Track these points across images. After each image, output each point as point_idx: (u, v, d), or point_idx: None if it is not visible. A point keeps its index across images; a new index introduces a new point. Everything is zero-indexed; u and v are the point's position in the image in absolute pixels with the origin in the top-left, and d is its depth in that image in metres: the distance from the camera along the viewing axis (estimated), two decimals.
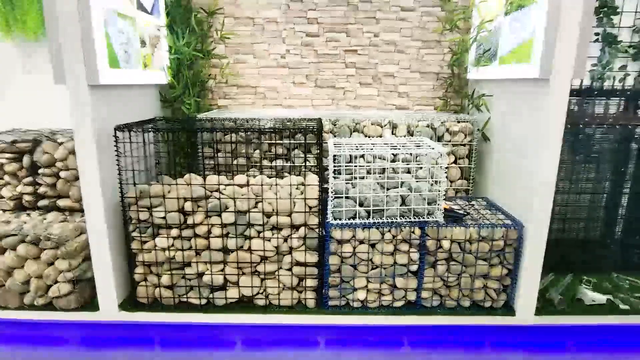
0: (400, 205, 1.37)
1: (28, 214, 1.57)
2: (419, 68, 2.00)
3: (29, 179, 1.57)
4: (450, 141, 1.73)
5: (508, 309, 1.42)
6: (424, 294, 1.41)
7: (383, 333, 1.43)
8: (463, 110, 1.99)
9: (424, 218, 1.36)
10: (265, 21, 1.96)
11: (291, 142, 1.73)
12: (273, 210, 1.36)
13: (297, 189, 1.45)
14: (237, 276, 1.40)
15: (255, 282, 1.40)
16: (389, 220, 1.35)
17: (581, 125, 1.58)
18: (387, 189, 1.42)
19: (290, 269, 1.40)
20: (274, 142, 1.73)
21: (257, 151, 1.73)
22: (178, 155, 1.85)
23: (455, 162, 1.76)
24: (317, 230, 1.37)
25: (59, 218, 1.51)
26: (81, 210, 1.55)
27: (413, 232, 1.35)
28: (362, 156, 1.61)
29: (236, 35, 1.97)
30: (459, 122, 1.75)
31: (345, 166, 1.47)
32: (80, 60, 1.22)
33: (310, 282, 1.41)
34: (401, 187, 1.40)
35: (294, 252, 1.38)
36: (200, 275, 1.40)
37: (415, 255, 1.37)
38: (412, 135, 1.74)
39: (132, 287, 1.43)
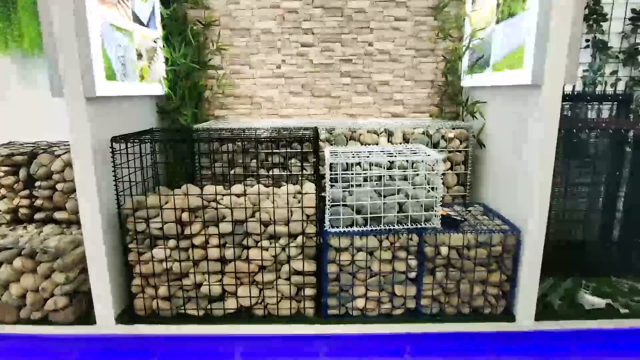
0: (398, 212, 1.37)
1: (24, 227, 1.56)
2: (414, 76, 2.02)
3: (26, 191, 1.57)
4: (446, 148, 1.75)
5: (508, 314, 1.42)
6: (424, 302, 1.41)
7: (383, 341, 1.42)
8: (458, 117, 2.01)
9: (421, 224, 1.36)
10: (261, 32, 1.98)
11: (288, 151, 1.73)
12: (270, 219, 1.36)
13: (294, 197, 1.45)
14: (235, 286, 1.39)
15: (253, 292, 1.39)
16: (387, 228, 1.35)
17: (575, 130, 1.59)
18: (384, 196, 1.42)
19: (288, 278, 1.39)
20: (270, 151, 1.73)
21: (254, 161, 1.74)
22: (175, 166, 1.85)
23: (451, 168, 1.77)
24: (314, 238, 1.37)
25: (56, 231, 1.51)
26: (78, 223, 1.54)
27: (411, 239, 1.35)
28: (359, 164, 1.61)
29: (232, 46, 1.99)
30: (454, 128, 1.77)
31: (342, 174, 1.48)
32: (77, 72, 1.23)
33: (309, 291, 1.40)
34: (398, 194, 1.41)
35: (292, 261, 1.38)
36: (198, 286, 1.39)
37: (413, 262, 1.36)
38: (408, 142, 1.75)
39: (130, 300, 1.42)
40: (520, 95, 1.40)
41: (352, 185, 1.46)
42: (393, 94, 2.04)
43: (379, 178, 1.48)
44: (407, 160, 1.50)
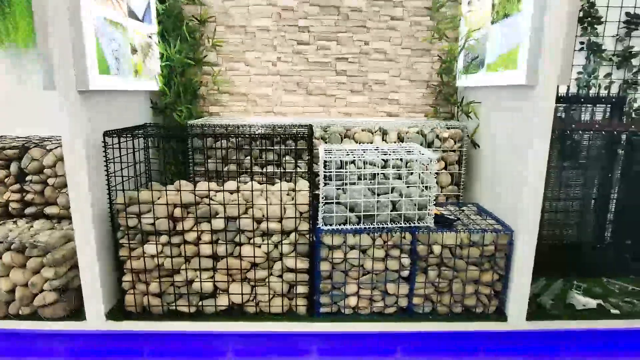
0: (391, 211, 1.37)
1: (15, 222, 1.54)
2: (409, 76, 2.02)
3: (16, 186, 1.55)
4: (440, 147, 1.75)
5: (500, 314, 1.42)
6: (416, 300, 1.41)
7: (375, 340, 1.42)
8: (453, 117, 2.01)
9: (414, 223, 1.36)
10: (257, 29, 1.97)
11: (282, 148, 1.73)
12: (263, 216, 1.35)
13: (287, 194, 1.44)
14: (227, 283, 1.38)
15: (245, 289, 1.39)
16: (380, 226, 1.35)
17: (569, 132, 1.60)
18: (378, 195, 1.42)
19: (280, 276, 1.39)
20: (264, 148, 1.73)
21: (248, 157, 1.73)
22: (169, 161, 1.84)
23: (445, 168, 1.77)
24: (307, 236, 1.36)
25: (46, 226, 1.49)
26: (69, 218, 1.53)
27: (404, 238, 1.35)
28: (353, 162, 1.61)
29: (228, 43, 1.98)
30: (448, 128, 1.77)
31: (336, 172, 1.47)
32: (70, 66, 1.22)
33: (301, 289, 1.39)
34: (392, 192, 1.41)
35: (284, 259, 1.37)
36: (189, 282, 1.38)
37: (406, 261, 1.36)
38: (402, 141, 1.75)
39: (120, 296, 1.40)
40: (514, 96, 1.40)
41: (345, 184, 1.45)
42: (388, 93, 2.04)
43: (373, 176, 1.48)
44: (401, 159, 1.50)
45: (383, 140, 1.76)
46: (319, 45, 1.99)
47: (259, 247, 1.36)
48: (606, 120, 1.68)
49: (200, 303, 1.40)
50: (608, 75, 1.85)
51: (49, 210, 1.54)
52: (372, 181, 1.46)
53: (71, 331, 1.39)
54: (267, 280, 1.39)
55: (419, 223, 1.36)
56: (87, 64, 1.24)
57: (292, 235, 1.36)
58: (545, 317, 1.41)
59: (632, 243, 1.69)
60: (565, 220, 1.67)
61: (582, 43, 1.83)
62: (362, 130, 1.76)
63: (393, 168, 1.51)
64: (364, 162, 1.58)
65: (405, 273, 1.38)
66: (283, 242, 1.36)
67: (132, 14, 1.57)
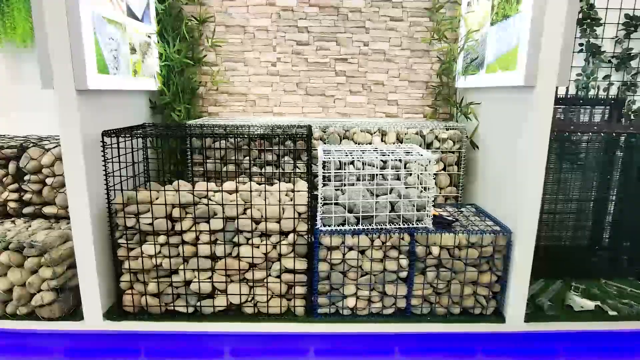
0: (390, 212, 1.37)
1: (13, 222, 1.54)
2: (408, 77, 2.02)
3: (14, 185, 1.55)
4: (439, 148, 1.75)
5: (498, 315, 1.42)
6: (414, 301, 1.41)
7: (373, 341, 1.42)
8: (452, 118, 2.01)
9: (413, 224, 1.36)
10: (256, 29, 1.97)
11: (281, 148, 1.73)
12: (262, 216, 1.35)
13: (286, 195, 1.44)
14: (225, 284, 1.38)
15: (243, 289, 1.38)
16: (379, 227, 1.35)
17: (567, 133, 1.60)
18: (377, 196, 1.42)
19: (279, 276, 1.39)
20: (263, 148, 1.73)
21: (247, 158, 1.73)
22: (167, 161, 1.84)
23: (444, 169, 1.77)
24: (306, 236, 1.36)
25: (44, 225, 1.49)
26: (67, 218, 1.52)
27: (402, 239, 1.35)
28: (352, 163, 1.61)
29: (227, 43, 1.98)
30: (447, 129, 1.77)
31: (335, 173, 1.47)
32: (69, 65, 1.21)
33: (300, 290, 1.39)
34: (390, 193, 1.40)
35: (282, 259, 1.37)
36: (187, 283, 1.38)
37: (404, 262, 1.36)
38: (401, 142, 1.75)
39: (118, 296, 1.40)
40: (513, 97, 1.40)
41: (344, 184, 1.45)
42: (387, 94, 2.04)
43: (372, 177, 1.48)
44: (400, 160, 1.50)
45: (382, 141, 1.76)
46: (318, 46, 1.99)
47: (258, 247, 1.36)
48: (605, 122, 1.68)
49: (198, 303, 1.40)
50: (607, 77, 1.85)
51: (47, 209, 1.54)
52: (371, 182, 1.46)
53: (69, 331, 1.38)
54: (265, 280, 1.39)
55: (417, 224, 1.36)
56: (85, 63, 1.24)
57: (291, 236, 1.36)
58: (543, 319, 1.41)
59: (630, 245, 1.69)
60: (563, 222, 1.67)
61: (581, 45, 1.83)
62: (361, 131, 1.76)
63: (392, 169, 1.51)
64: (362, 163, 1.58)
65: (404, 274, 1.38)
66: (281, 242, 1.36)
67: (131, 13, 1.57)
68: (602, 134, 1.61)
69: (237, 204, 1.34)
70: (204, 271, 1.37)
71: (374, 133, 1.76)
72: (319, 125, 1.76)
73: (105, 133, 1.30)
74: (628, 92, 1.84)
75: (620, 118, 1.69)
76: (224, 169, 1.72)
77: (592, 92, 1.82)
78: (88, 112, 1.30)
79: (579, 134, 1.61)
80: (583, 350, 1.43)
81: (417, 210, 1.37)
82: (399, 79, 2.03)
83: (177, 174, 1.84)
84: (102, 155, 1.30)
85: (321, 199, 1.36)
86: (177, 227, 1.34)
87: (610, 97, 1.73)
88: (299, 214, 1.36)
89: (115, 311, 1.41)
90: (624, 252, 1.70)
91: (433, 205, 1.40)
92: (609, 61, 1.85)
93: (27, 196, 1.54)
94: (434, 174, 1.61)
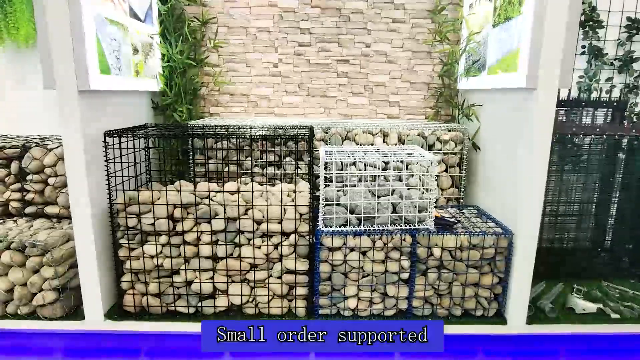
0: (392, 213, 1.37)
1: (15, 221, 1.54)
2: (410, 78, 2.02)
3: (17, 185, 1.55)
4: (441, 150, 1.75)
5: (499, 317, 1.42)
6: (415, 303, 1.40)
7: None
8: (454, 119, 2.01)
9: (414, 226, 1.36)
10: (258, 31, 1.98)
11: (283, 149, 1.73)
12: (263, 217, 1.35)
13: (288, 196, 1.44)
14: (227, 284, 1.38)
15: (244, 290, 1.38)
16: (380, 228, 1.35)
17: (569, 135, 1.60)
18: (378, 197, 1.42)
19: (280, 277, 1.38)
20: (265, 149, 1.73)
21: (249, 158, 1.73)
22: (169, 162, 1.84)
23: (446, 170, 1.77)
24: (307, 237, 1.36)
25: (46, 225, 1.49)
26: (69, 217, 1.53)
27: (404, 240, 1.35)
28: (354, 164, 1.61)
29: (229, 44, 1.98)
30: (449, 131, 1.77)
31: (337, 173, 1.47)
32: (71, 65, 1.22)
33: (301, 290, 1.39)
34: (392, 194, 1.40)
35: (284, 260, 1.37)
36: (188, 283, 1.38)
37: (406, 263, 1.36)
38: (403, 143, 1.75)
39: (119, 296, 1.40)
40: (515, 99, 1.40)
41: (346, 185, 1.45)
42: (389, 95, 2.04)
43: (374, 178, 1.48)
44: (401, 161, 1.50)
45: (384, 142, 1.75)
46: (320, 47, 1.99)
47: (259, 248, 1.36)
48: (607, 124, 1.68)
49: (199, 304, 1.40)
50: (609, 79, 1.85)
51: (49, 209, 1.54)
52: (373, 183, 1.45)
53: (70, 331, 1.38)
54: (266, 281, 1.39)
55: (419, 225, 1.36)
56: (87, 63, 1.25)
57: (292, 237, 1.36)
58: (545, 321, 1.41)
59: (632, 247, 1.69)
60: (565, 224, 1.67)
61: (583, 47, 1.83)
62: (363, 132, 1.76)
63: (393, 170, 1.51)
64: (364, 164, 1.58)
65: (405, 275, 1.37)
66: (283, 243, 1.36)
67: (133, 14, 1.58)
68: (604, 137, 1.61)
69: (238, 205, 1.34)
70: (205, 271, 1.37)
71: (376, 134, 1.76)
72: (320, 126, 1.76)
73: (107, 133, 1.31)
74: (630, 95, 1.84)
75: (623, 120, 1.69)
76: (226, 169, 1.72)
77: (594, 95, 1.82)
78: (90, 112, 1.30)
79: (581, 136, 1.61)
80: (585, 352, 1.43)
81: (419, 211, 1.37)
82: (401, 80, 2.03)
83: (179, 175, 1.85)
84: (104, 156, 1.30)
85: (323, 199, 1.36)
86: (179, 228, 1.34)
87: (612, 99, 1.73)
88: (301, 214, 1.36)
89: (116, 311, 1.41)
90: (626, 254, 1.70)
91: (435, 207, 1.40)
92: (612, 63, 1.84)
93: (29, 196, 1.54)
94: (436, 175, 1.61)
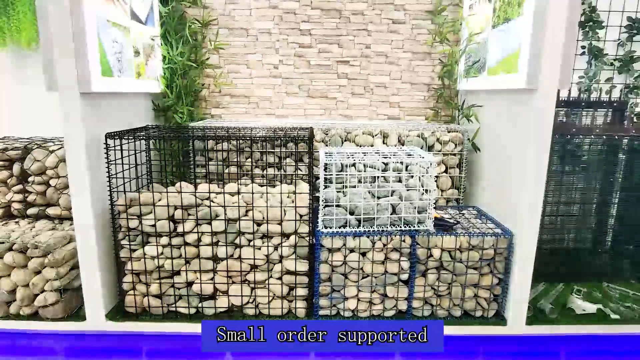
0: (391, 214, 1.37)
1: (17, 222, 1.55)
2: (410, 79, 2.03)
3: (19, 186, 1.56)
4: (440, 151, 1.75)
5: (499, 318, 1.42)
6: (415, 304, 1.41)
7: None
8: (453, 120, 2.01)
9: (414, 226, 1.37)
10: (259, 32, 1.98)
11: (283, 150, 1.74)
12: (263, 218, 1.36)
13: (288, 197, 1.45)
14: (227, 285, 1.39)
15: (245, 291, 1.39)
16: (380, 229, 1.35)
17: (570, 136, 1.60)
18: (378, 198, 1.42)
19: (280, 278, 1.39)
20: (265, 150, 1.73)
21: (249, 160, 1.74)
22: (170, 163, 1.85)
23: (445, 171, 1.77)
24: (307, 238, 1.37)
25: (48, 226, 1.50)
26: (70, 219, 1.54)
27: (404, 241, 1.35)
28: (353, 165, 1.61)
29: (230, 45, 1.99)
30: (449, 132, 1.77)
31: (336, 175, 1.48)
32: (73, 67, 1.23)
33: (301, 291, 1.40)
34: (392, 195, 1.41)
35: (284, 261, 1.37)
36: (189, 284, 1.39)
37: (405, 264, 1.36)
38: (403, 144, 1.75)
39: (120, 297, 1.41)
40: (515, 100, 1.40)
41: (346, 186, 1.46)
42: (389, 96, 2.04)
43: (373, 179, 1.48)
44: (401, 162, 1.50)
45: (383, 143, 1.76)
46: (320, 48, 2.00)
47: (259, 249, 1.37)
48: (607, 124, 1.68)
49: (200, 304, 1.40)
50: (609, 79, 1.85)
51: (51, 211, 1.55)
52: (372, 184, 1.46)
53: (71, 331, 1.39)
54: (266, 282, 1.39)
55: (418, 226, 1.37)
56: (89, 65, 1.25)
57: (292, 238, 1.36)
58: (544, 322, 1.41)
59: (632, 248, 1.68)
60: (565, 225, 1.67)
61: (583, 47, 1.83)
62: (363, 133, 1.76)
63: (393, 171, 1.52)
64: (364, 165, 1.59)
65: (405, 276, 1.38)
66: (283, 244, 1.37)
67: (135, 16, 1.58)
68: (604, 137, 1.61)
69: (239, 206, 1.35)
70: (206, 272, 1.38)
71: (376, 135, 1.76)
72: (320, 127, 1.77)
73: (109, 135, 1.32)
74: (630, 95, 1.84)
75: (623, 121, 1.69)
76: (226, 170, 1.73)
77: (594, 95, 1.82)
78: (92, 114, 1.31)
79: (581, 136, 1.61)
80: (585, 353, 1.43)
81: (419, 212, 1.37)
82: (401, 81, 2.03)
83: (180, 176, 1.86)
84: (106, 157, 1.31)
85: (323, 200, 1.37)
86: (180, 229, 1.35)
87: (612, 100, 1.73)
88: (301, 215, 1.37)
89: (117, 312, 1.41)
90: (627, 255, 1.70)
91: (434, 208, 1.40)
92: (612, 64, 1.84)
93: (31, 197, 1.55)
94: (436, 176, 1.61)
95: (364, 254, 1.37)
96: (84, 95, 1.27)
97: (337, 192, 1.43)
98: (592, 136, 1.61)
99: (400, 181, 1.53)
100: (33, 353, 1.42)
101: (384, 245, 1.35)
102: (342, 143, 1.76)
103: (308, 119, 2.05)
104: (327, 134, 1.76)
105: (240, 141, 1.71)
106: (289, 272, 1.38)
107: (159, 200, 1.36)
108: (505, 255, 1.38)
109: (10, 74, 2.04)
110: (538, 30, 1.22)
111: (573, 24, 1.21)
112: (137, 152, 1.43)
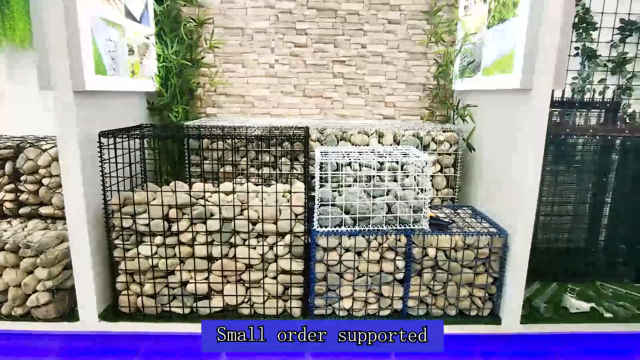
0: (387, 213, 1.38)
1: (9, 222, 1.53)
2: (406, 79, 2.03)
3: (11, 185, 1.54)
4: (436, 150, 1.76)
5: (494, 317, 1.43)
6: (410, 303, 1.41)
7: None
8: (449, 120, 2.02)
9: (409, 226, 1.37)
10: (255, 31, 1.98)
11: (278, 150, 1.73)
12: (259, 217, 1.35)
13: (283, 196, 1.44)
14: (222, 285, 1.38)
15: (240, 290, 1.38)
16: (375, 228, 1.35)
17: (563, 136, 1.61)
18: (374, 197, 1.42)
19: (275, 277, 1.39)
20: (261, 149, 1.73)
21: (244, 159, 1.73)
22: (164, 162, 1.84)
23: (441, 171, 1.78)
24: (303, 238, 1.36)
25: (40, 226, 1.49)
26: (63, 218, 1.52)
27: (399, 240, 1.35)
28: (349, 164, 1.61)
29: (225, 44, 1.98)
30: (444, 131, 1.78)
31: (332, 174, 1.48)
32: (66, 66, 1.22)
33: (296, 291, 1.39)
34: (387, 195, 1.41)
35: (279, 260, 1.37)
36: (184, 284, 1.38)
37: (401, 263, 1.37)
38: (398, 144, 1.75)
39: (114, 297, 1.40)
40: (509, 100, 1.41)
41: (341, 186, 1.46)
42: (385, 96, 2.05)
43: (369, 179, 1.49)
44: (397, 162, 1.50)
45: (379, 142, 1.76)
46: (316, 48, 2.00)
47: (254, 248, 1.36)
48: (600, 125, 1.70)
49: (194, 304, 1.40)
50: (602, 80, 1.86)
51: (44, 210, 1.54)
52: (368, 183, 1.46)
53: (64, 332, 1.38)
54: (261, 281, 1.39)
55: (414, 225, 1.37)
56: (83, 64, 1.24)
57: (288, 237, 1.36)
58: (539, 320, 1.41)
59: (625, 248, 1.70)
60: (559, 224, 1.68)
61: (577, 48, 1.84)
62: (359, 133, 1.76)
63: (389, 170, 1.52)
64: (359, 165, 1.59)
65: (400, 275, 1.38)
66: (278, 243, 1.36)
67: (129, 15, 1.57)
68: (597, 137, 1.62)
69: (234, 205, 1.34)
70: (201, 272, 1.37)
71: (371, 135, 1.76)
72: (316, 126, 1.77)
73: (103, 134, 1.30)
74: (623, 96, 1.85)
75: (616, 121, 1.70)
76: (222, 170, 1.72)
77: (587, 96, 1.83)
78: (85, 112, 1.30)
79: (574, 136, 1.62)
80: (578, 351, 1.44)
81: (414, 211, 1.38)
82: (397, 81, 2.03)
83: (174, 175, 1.84)
84: (99, 156, 1.30)
85: (318, 200, 1.36)
86: (174, 228, 1.34)
87: (605, 100, 1.75)
88: (296, 215, 1.37)
89: (111, 312, 1.40)
90: (620, 255, 1.71)
91: (429, 207, 1.40)
92: (605, 65, 1.86)
93: (23, 196, 1.54)
94: (431, 175, 1.61)
95: (359, 253, 1.37)
96: (78, 94, 1.26)
97: (333, 191, 1.43)
98: (586, 136, 1.62)
99: (395, 180, 1.53)
100: (25, 354, 1.40)
101: (380, 244, 1.35)
102: (338, 142, 1.76)
103: (304, 118, 2.05)
104: (322, 133, 1.75)
105: (236, 140, 1.71)
106: (284, 272, 1.38)
107: (154, 199, 1.35)
108: (500, 255, 1.38)
109: (4, 73, 2.02)
110: (533, 31, 1.23)
111: (567, 25, 1.22)
112: (131, 151, 1.42)
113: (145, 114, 1.83)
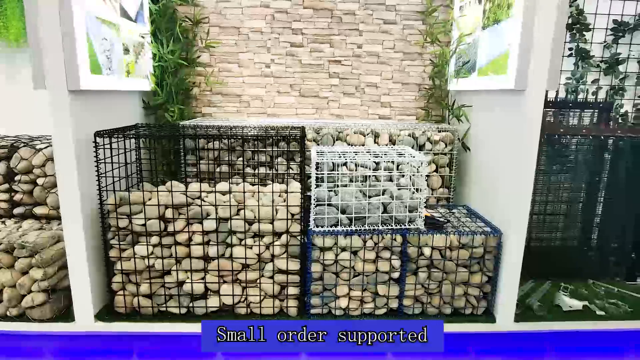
0: (382, 213, 1.38)
1: (3, 222, 1.53)
2: (401, 79, 2.04)
3: (5, 185, 1.53)
4: (431, 150, 1.77)
5: (488, 315, 1.44)
6: (406, 302, 1.42)
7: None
8: (444, 120, 2.03)
9: (405, 225, 1.38)
10: (250, 31, 1.98)
11: (274, 149, 1.73)
12: (255, 217, 1.36)
13: (279, 196, 1.45)
14: (218, 284, 1.38)
15: (236, 290, 1.39)
16: (371, 228, 1.36)
17: (557, 136, 1.63)
18: (369, 197, 1.43)
19: (272, 277, 1.39)
20: (257, 149, 1.73)
21: (241, 159, 1.73)
22: (160, 162, 1.83)
23: (436, 170, 1.79)
24: (299, 237, 1.37)
25: (35, 226, 1.48)
26: (58, 218, 1.51)
27: (394, 240, 1.36)
28: (345, 164, 1.62)
29: (221, 44, 1.98)
30: (440, 131, 1.79)
31: (328, 174, 1.48)
32: (61, 65, 1.21)
33: (292, 290, 1.40)
34: (383, 194, 1.42)
35: (275, 260, 1.37)
36: (180, 284, 1.38)
37: (396, 263, 1.38)
38: (394, 144, 1.76)
39: (110, 297, 1.40)
40: (504, 100, 1.42)
41: (337, 185, 1.46)
42: (381, 96, 2.06)
43: (365, 178, 1.49)
44: (392, 162, 1.51)
45: (375, 142, 1.77)
46: (312, 48, 2.00)
47: (251, 248, 1.36)
48: (593, 125, 1.71)
49: (190, 304, 1.40)
50: (595, 81, 1.88)
51: (38, 210, 1.53)
52: (364, 183, 1.47)
53: (60, 332, 1.37)
54: (258, 281, 1.39)
55: (409, 225, 1.38)
56: (78, 63, 1.24)
57: (284, 237, 1.36)
58: (532, 319, 1.43)
59: (617, 246, 1.72)
60: (553, 223, 1.70)
61: (570, 49, 1.86)
62: (354, 133, 1.77)
63: (384, 170, 1.53)
64: (355, 164, 1.59)
65: (396, 275, 1.39)
66: (274, 243, 1.37)
67: (124, 14, 1.57)
68: (590, 137, 1.64)
69: (230, 205, 1.35)
70: (197, 272, 1.37)
71: (367, 135, 1.77)
72: (312, 126, 1.77)
73: (98, 133, 1.30)
74: (616, 96, 1.87)
75: (609, 121, 1.72)
76: (218, 169, 1.72)
77: (581, 96, 1.85)
78: (80, 112, 1.29)
79: (568, 136, 1.64)
80: (571, 349, 1.46)
81: (409, 211, 1.39)
82: (392, 81, 2.04)
83: (170, 175, 1.84)
84: (95, 156, 1.29)
85: (314, 200, 1.37)
86: (170, 228, 1.34)
87: (598, 101, 1.76)
88: (292, 215, 1.37)
89: (106, 312, 1.40)
90: (612, 254, 1.73)
91: (425, 207, 1.41)
92: (598, 65, 1.87)
93: (17, 196, 1.53)
94: (426, 175, 1.62)
95: (355, 253, 1.37)
96: (73, 93, 1.25)
97: (329, 191, 1.44)
98: (579, 136, 1.64)
99: (391, 180, 1.54)
100: (21, 355, 1.40)
101: (375, 244, 1.36)
102: (334, 142, 1.76)
103: (300, 118, 2.05)
104: (318, 133, 1.76)
105: (232, 140, 1.71)
106: (280, 271, 1.38)
107: (149, 199, 1.35)
108: (494, 254, 1.39)
109: None
110: (527, 32, 1.24)
111: (561, 26, 1.23)
112: (127, 150, 1.42)
113: (141, 114, 1.82)
